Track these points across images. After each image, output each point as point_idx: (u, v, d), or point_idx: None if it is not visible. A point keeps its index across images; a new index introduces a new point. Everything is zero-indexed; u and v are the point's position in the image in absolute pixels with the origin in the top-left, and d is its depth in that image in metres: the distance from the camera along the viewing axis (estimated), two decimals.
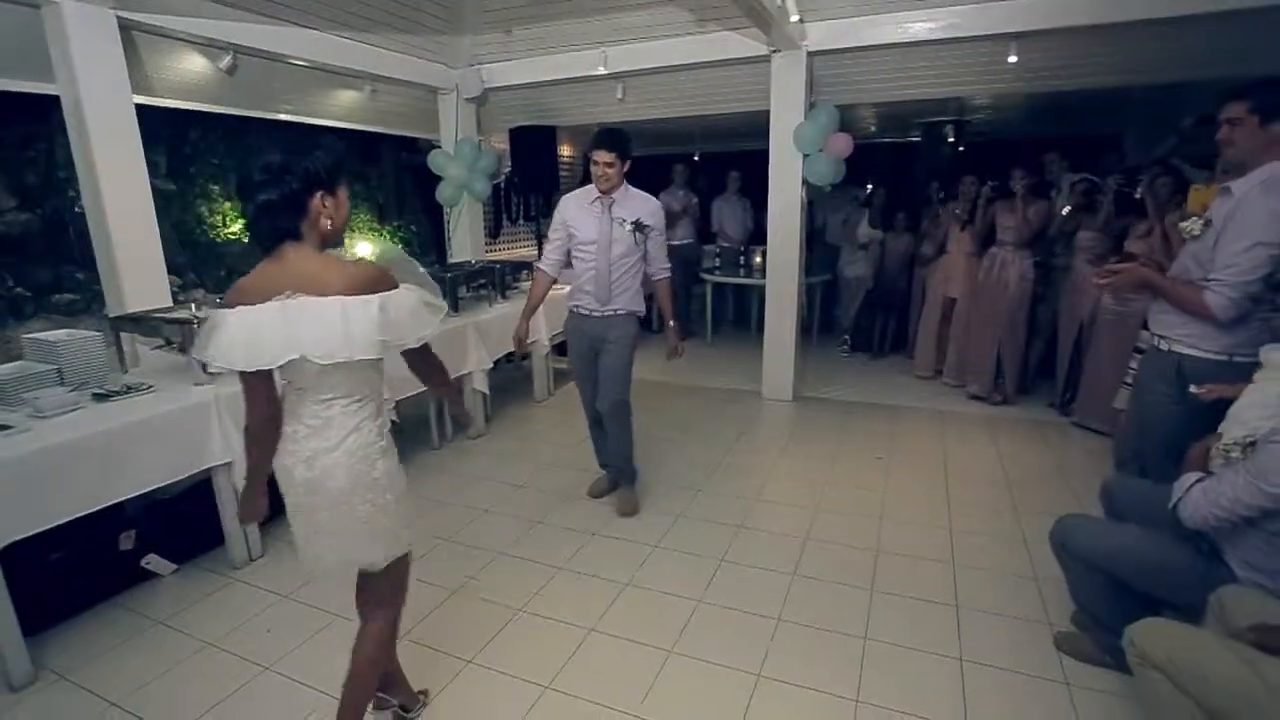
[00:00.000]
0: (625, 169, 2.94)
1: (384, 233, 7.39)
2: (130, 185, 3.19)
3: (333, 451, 1.52)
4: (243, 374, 1.43)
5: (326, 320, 1.40)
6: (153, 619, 2.47)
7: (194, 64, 3.87)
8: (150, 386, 2.67)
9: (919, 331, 5.53)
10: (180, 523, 2.82)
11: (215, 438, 2.61)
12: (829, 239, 6.73)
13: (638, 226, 2.95)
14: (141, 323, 2.96)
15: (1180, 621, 1.55)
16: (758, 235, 6.82)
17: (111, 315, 3.08)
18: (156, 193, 3.43)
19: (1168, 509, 1.79)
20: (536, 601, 2.53)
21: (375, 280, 1.47)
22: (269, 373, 1.45)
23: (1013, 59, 4.05)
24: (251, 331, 1.40)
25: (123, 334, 2.99)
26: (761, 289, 5.37)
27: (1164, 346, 2.28)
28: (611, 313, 3.03)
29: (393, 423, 3.44)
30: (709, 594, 2.57)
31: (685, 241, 6.88)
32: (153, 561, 2.73)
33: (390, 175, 7.50)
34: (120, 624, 2.44)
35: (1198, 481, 1.73)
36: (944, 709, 1.97)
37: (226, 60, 3.87)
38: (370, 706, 1.78)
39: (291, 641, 2.32)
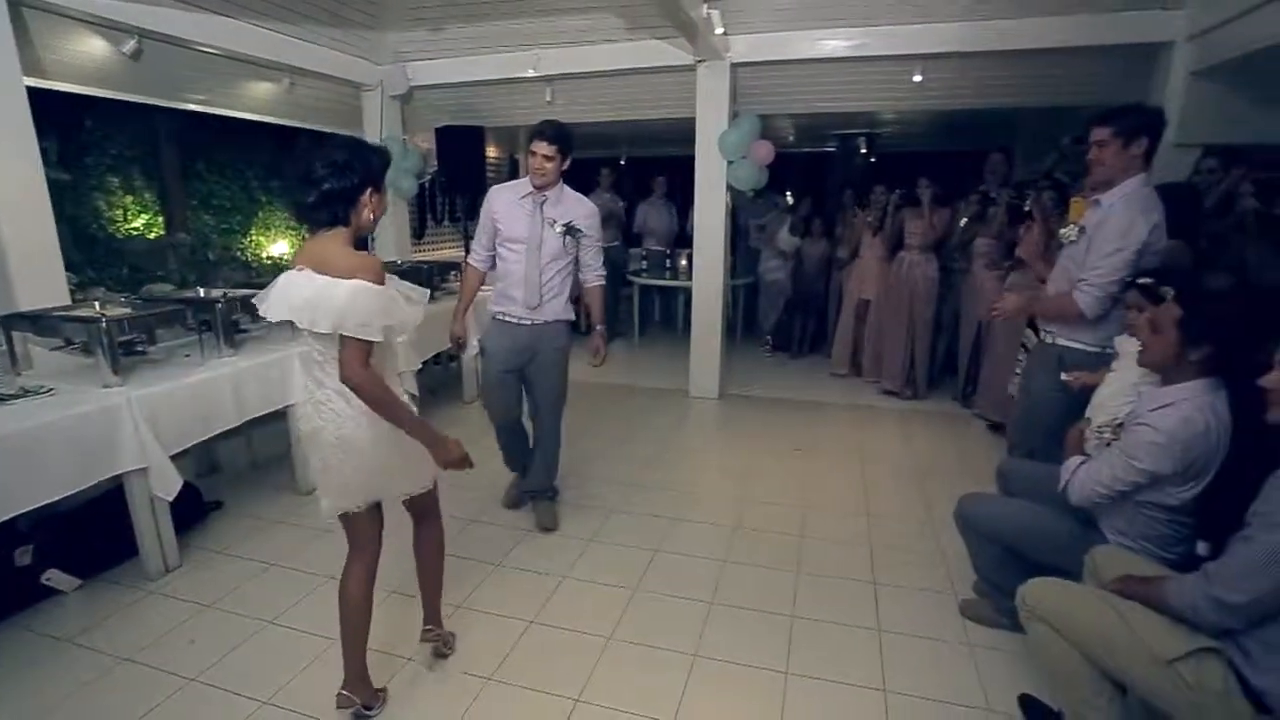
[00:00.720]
0: (565, 166, 2.75)
1: (302, 232, 7.11)
2: (21, 173, 2.97)
3: (358, 416, 1.69)
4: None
5: (310, 294, 1.59)
6: (59, 638, 2.31)
7: (93, 46, 3.63)
8: (50, 389, 2.51)
9: (836, 331, 5.84)
10: (87, 534, 2.65)
11: (128, 442, 2.47)
12: (751, 243, 7.00)
13: (569, 230, 2.77)
14: (38, 322, 2.76)
15: (1062, 579, 1.76)
16: (682, 239, 7.02)
17: (1, 314, 2.85)
18: (49, 183, 3.20)
19: (1054, 488, 2.01)
20: (476, 597, 2.54)
21: (363, 270, 1.61)
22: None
23: (917, 78, 4.39)
24: (274, 291, 1.66)
25: (14, 334, 2.78)
26: (687, 291, 5.53)
27: (1048, 340, 2.57)
28: (543, 322, 2.83)
29: None
30: (644, 583, 2.66)
31: (612, 245, 6.97)
32: (53, 577, 2.54)
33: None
34: (22, 645, 2.27)
35: (1081, 465, 1.96)
36: (865, 675, 2.13)
37: (130, 44, 3.64)
38: (335, 706, 1.89)
39: (217, 651, 2.24)
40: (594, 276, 2.97)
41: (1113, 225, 2.28)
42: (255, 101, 4.83)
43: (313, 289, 1.59)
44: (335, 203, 1.63)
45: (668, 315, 7.84)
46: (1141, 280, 2.09)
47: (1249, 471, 1.44)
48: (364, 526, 1.88)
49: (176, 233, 6.25)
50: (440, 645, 2.17)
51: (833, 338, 6.04)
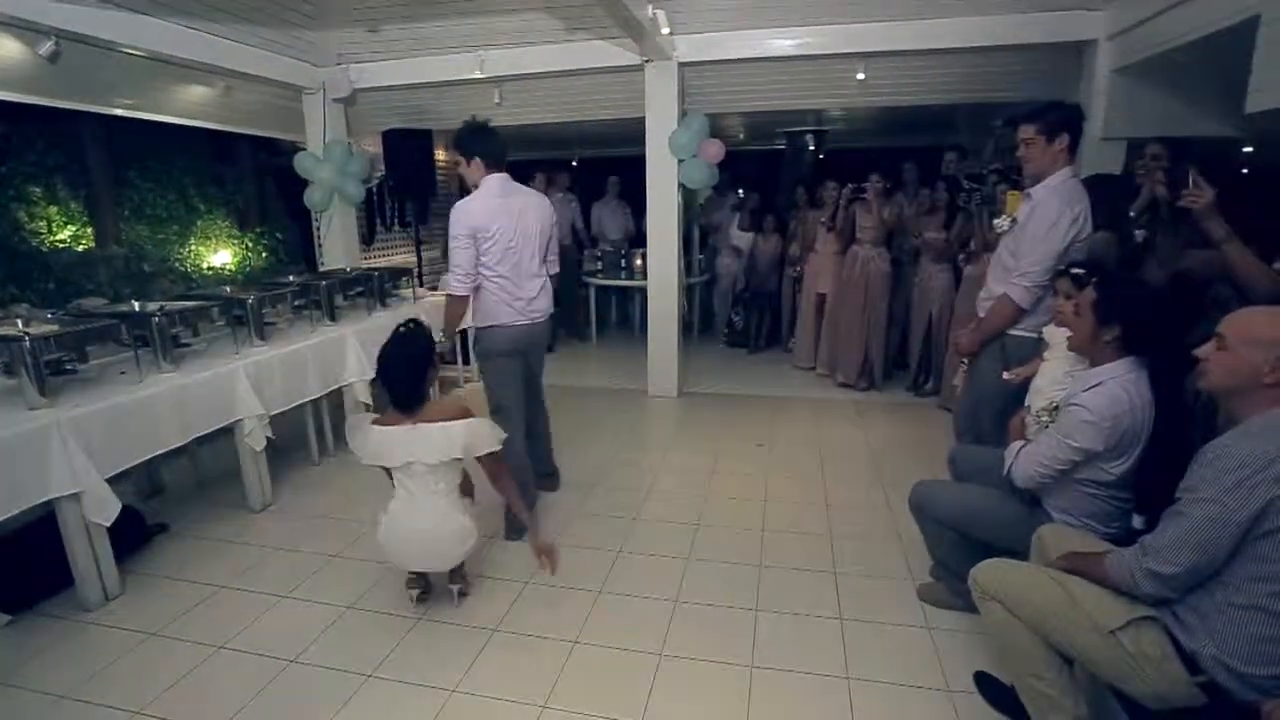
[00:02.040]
0: (469, 167, 2.85)
1: (245, 241, 6.86)
2: None
3: (447, 521, 2.33)
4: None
5: (435, 435, 2.22)
6: None
7: (5, 48, 3.44)
8: None
9: (798, 326, 5.92)
10: (16, 565, 2.50)
11: (58, 466, 2.34)
12: (711, 241, 7.07)
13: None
14: None
15: (1011, 559, 1.82)
16: (637, 238, 7.03)
17: None
18: None
19: (1000, 472, 2.09)
20: (436, 610, 2.49)
21: (459, 411, 2.31)
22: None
23: (860, 76, 4.49)
24: (381, 443, 2.26)
25: None
26: (644, 290, 5.54)
27: None
28: (544, 315, 3.03)
29: (268, 439, 3.25)
30: (608, 584, 2.65)
31: (564, 243, 6.94)
32: None
33: (250, 179, 6.98)
34: None
35: (1022, 448, 2.03)
36: (829, 663, 2.17)
37: (47, 46, 3.44)
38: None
39: (163, 682, 2.13)
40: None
41: (1040, 217, 2.38)
42: (189, 106, 4.65)
43: (440, 432, 2.22)
44: (419, 386, 2.28)
45: (624, 315, 7.85)
46: (1074, 270, 2.19)
47: (1175, 446, 1.51)
48: None
49: (108, 244, 5.96)
50: (464, 585, 2.55)
51: (788, 333, 6.14)
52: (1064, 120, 2.39)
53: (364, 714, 1.99)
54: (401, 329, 2.32)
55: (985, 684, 2.02)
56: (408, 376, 2.25)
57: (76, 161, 5.66)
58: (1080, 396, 1.85)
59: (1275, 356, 1.33)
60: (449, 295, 2.92)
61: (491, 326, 2.92)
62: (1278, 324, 1.36)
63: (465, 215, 2.76)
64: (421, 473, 2.26)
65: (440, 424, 2.23)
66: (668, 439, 4.32)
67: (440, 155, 7.11)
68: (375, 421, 2.30)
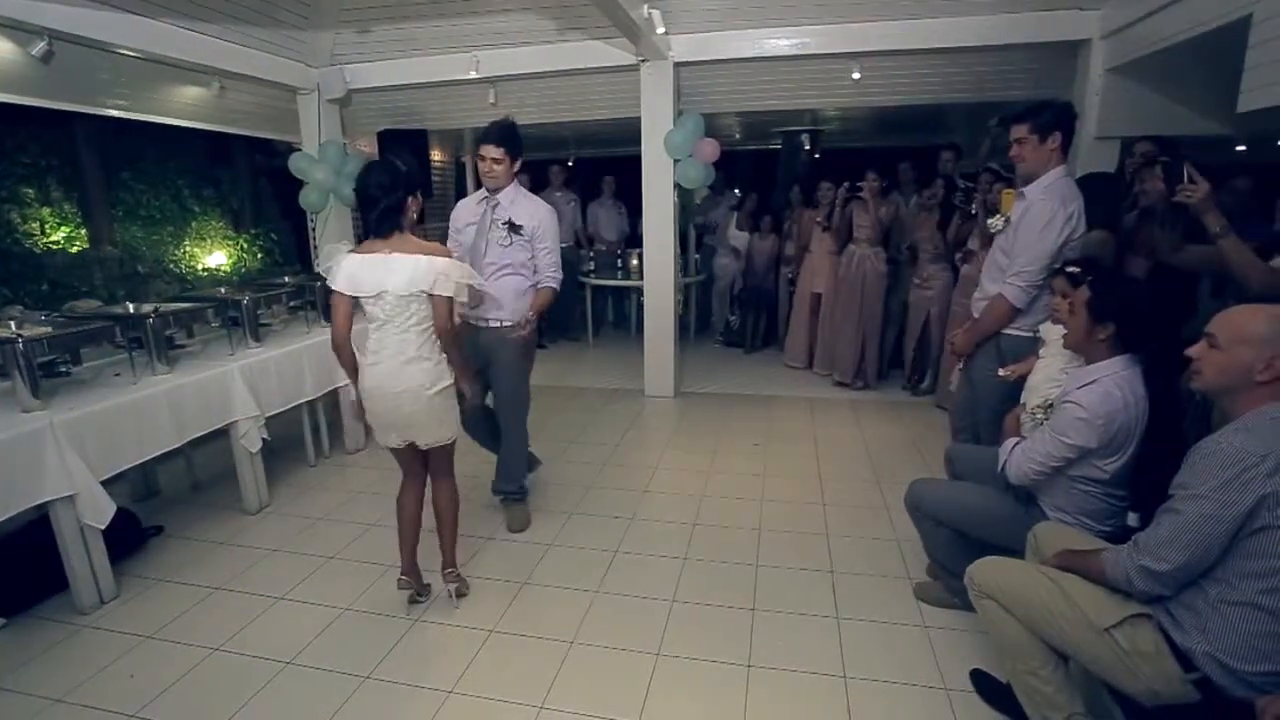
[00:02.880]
0: (516, 168, 2.78)
1: (240, 242, 6.84)
2: None
3: (417, 361, 2.22)
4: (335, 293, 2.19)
5: (408, 266, 2.13)
6: None
7: None
8: None
9: (790, 325, 5.93)
10: (10, 569, 2.49)
11: (52, 468, 2.34)
12: (707, 240, 7.07)
13: (511, 227, 2.77)
14: None
15: (1007, 557, 1.82)
16: (634, 238, 7.03)
17: None
18: None
19: (995, 470, 2.09)
20: (433, 610, 2.49)
21: (441, 251, 2.23)
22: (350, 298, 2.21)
23: (856, 75, 4.50)
24: (356, 269, 2.16)
25: None
26: (640, 290, 5.54)
27: None
28: (491, 324, 2.84)
29: (263, 440, 3.24)
30: (605, 584, 2.65)
31: (564, 245, 6.92)
32: None
33: (245, 179, 6.96)
34: None
35: (1016, 445, 2.04)
36: (826, 663, 2.17)
37: (40, 46, 3.42)
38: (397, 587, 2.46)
39: (160, 684, 2.13)
40: (545, 278, 2.90)
41: (1034, 216, 2.38)
42: (183, 107, 4.64)
43: (412, 264, 2.13)
44: (393, 214, 2.16)
45: (621, 315, 7.84)
46: (1069, 268, 2.20)
47: (1170, 444, 1.52)
48: (410, 460, 2.41)
49: (102, 246, 5.93)
50: (460, 586, 2.53)
51: (785, 332, 6.15)
52: (1055, 119, 2.40)
53: (361, 716, 1.99)
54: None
55: (982, 682, 2.02)
56: (382, 199, 2.14)
57: (70, 163, 5.63)
58: (1075, 394, 1.86)
59: (1267, 354, 1.33)
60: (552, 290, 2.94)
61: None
62: (1267, 321, 1.37)
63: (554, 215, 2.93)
64: (392, 305, 2.17)
65: (415, 256, 2.15)
66: (664, 439, 4.32)
67: (436, 155, 7.11)
68: (352, 251, 2.24)
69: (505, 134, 2.70)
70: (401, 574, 2.46)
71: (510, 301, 2.84)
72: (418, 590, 2.50)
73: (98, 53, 3.75)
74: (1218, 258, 2.20)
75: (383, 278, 2.13)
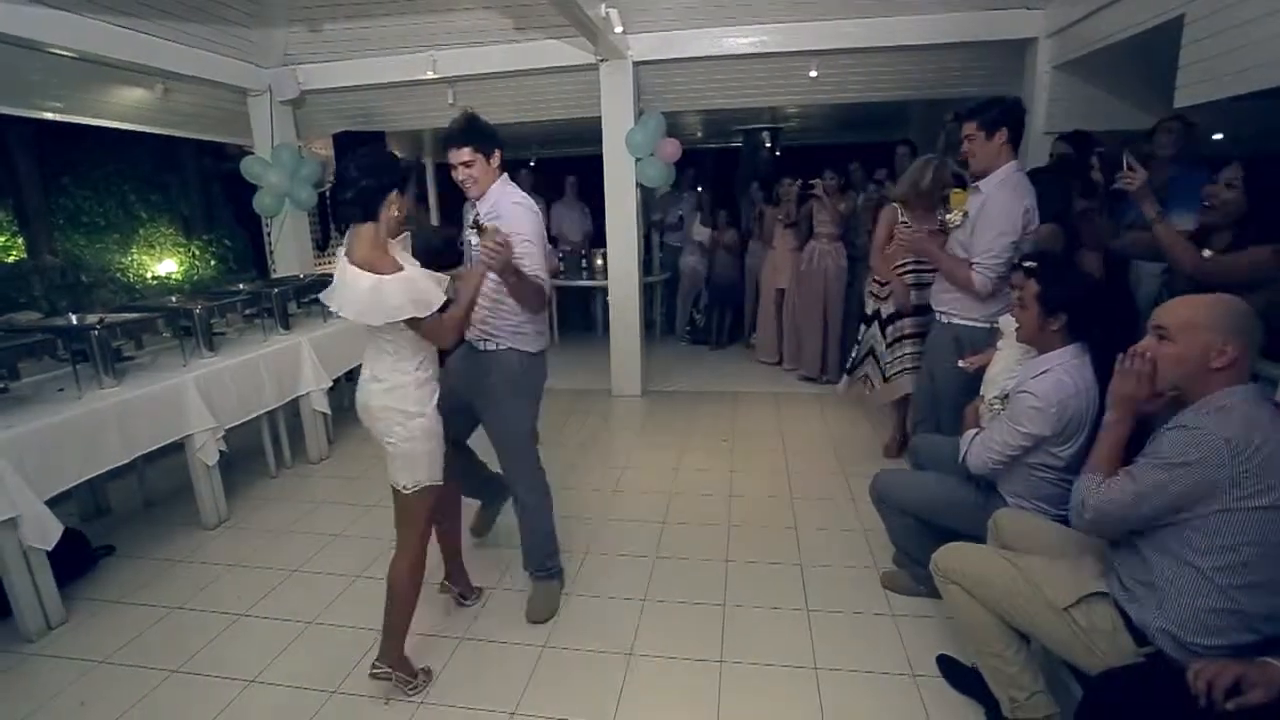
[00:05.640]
0: (496, 163, 2.25)
1: (191, 248, 6.61)
2: None
3: (375, 381, 1.96)
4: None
5: (351, 294, 1.81)
6: None
7: None
8: None
9: (758, 322, 5.96)
10: None
11: None
12: (665, 239, 7.08)
13: (476, 227, 2.16)
14: None
15: (969, 543, 1.87)
16: (597, 238, 7.01)
17: None
18: None
19: (956, 460, 2.14)
20: None
21: (377, 264, 1.82)
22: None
23: (812, 74, 4.56)
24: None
25: None
26: (604, 290, 5.53)
27: (944, 320, 2.73)
28: (483, 347, 2.31)
29: (221, 453, 3.14)
30: (576, 586, 2.64)
31: None
32: None
33: (195, 184, 6.73)
34: None
35: (976, 436, 2.09)
36: (797, 655, 2.20)
37: None
38: (370, 674, 2.03)
39: (112, 711, 2.04)
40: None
41: (992, 210, 2.45)
42: (124, 109, 4.47)
43: (353, 292, 1.80)
44: (365, 200, 1.84)
45: (587, 316, 7.81)
46: (1027, 264, 2.26)
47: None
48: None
49: (41, 255, 5.66)
50: (391, 686, 2.05)
51: (749, 327, 6.20)
52: (1001, 116, 2.47)
53: None
54: None
55: (947, 666, 2.07)
56: (360, 180, 1.83)
57: (3, 167, 5.37)
58: (1028, 384, 1.92)
59: (1219, 342, 1.37)
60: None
61: None
62: (1213, 309, 1.41)
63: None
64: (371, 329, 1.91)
65: (358, 274, 1.79)
66: (632, 438, 4.32)
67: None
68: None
69: (471, 131, 2.20)
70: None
71: (507, 321, 2.30)
72: (461, 594, 2.46)
73: (28, 52, 3.56)
74: (1153, 243, 2.30)
75: (334, 292, 1.86)
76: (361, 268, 1.81)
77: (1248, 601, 1.32)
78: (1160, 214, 2.24)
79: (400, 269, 1.84)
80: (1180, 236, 2.24)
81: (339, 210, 1.90)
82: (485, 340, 2.31)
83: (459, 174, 2.23)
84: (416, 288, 1.84)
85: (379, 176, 1.85)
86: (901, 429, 3.77)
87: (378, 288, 1.79)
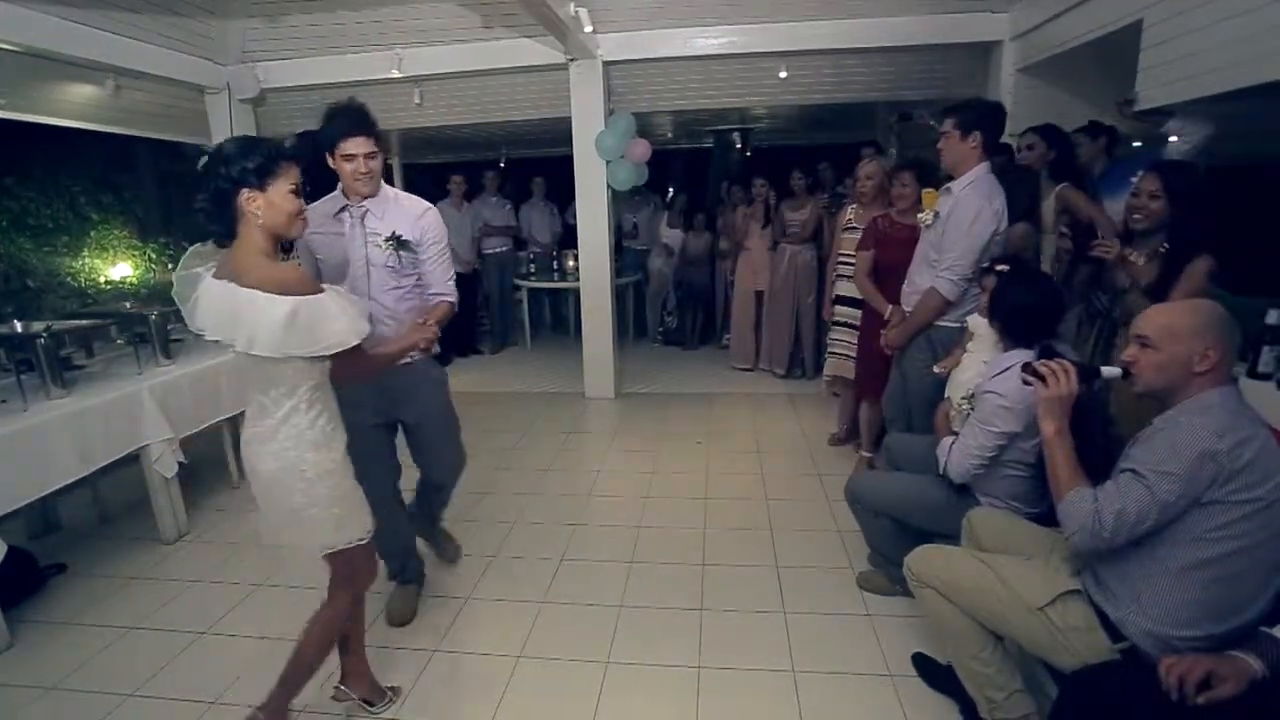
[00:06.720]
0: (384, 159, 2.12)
1: (147, 252, 6.38)
2: None
3: (267, 440, 1.60)
4: None
5: (227, 307, 1.48)
6: None
7: None
8: None
9: (733, 325, 5.86)
10: None
11: None
12: (624, 242, 7.05)
13: (398, 243, 2.11)
14: None
15: (942, 545, 1.87)
16: (566, 239, 6.96)
17: None
18: None
19: (931, 458, 2.16)
20: (373, 630, 2.37)
21: (287, 284, 1.49)
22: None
23: (782, 74, 4.58)
24: (199, 301, 1.55)
25: None
26: (576, 292, 5.48)
27: None
28: (408, 359, 2.07)
29: (179, 464, 3.02)
30: (551, 593, 2.59)
31: (503, 250, 6.77)
32: None
33: (150, 185, 6.49)
34: None
35: (953, 444, 2.09)
36: (774, 658, 2.19)
37: None
38: (331, 697, 1.95)
39: None
40: (441, 294, 2.25)
41: (961, 212, 2.48)
42: (72, 107, 4.28)
43: (238, 304, 1.47)
44: (213, 215, 1.52)
45: (559, 318, 7.76)
46: (999, 267, 2.29)
47: (1077, 425, 1.58)
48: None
49: None
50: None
51: (722, 329, 6.19)
52: (978, 118, 2.49)
53: None
54: None
55: (923, 665, 2.08)
56: (206, 184, 1.50)
57: None
58: (992, 383, 1.95)
59: (1201, 347, 1.38)
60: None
61: None
62: (1194, 315, 1.42)
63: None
64: (250, 366, 1.56)
65: (272, 297, 1.46)
66: (606, 441, 4.28)
67: None
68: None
69: (372, 119, 2.06)
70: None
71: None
72: (366, 700, 1.97)
73: None
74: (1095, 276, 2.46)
75: (195, 311, 1.55)
76: (263, 289, 1.46)
77: (1222, 593, 1.34)
78: (1134, 285, 2.23)
79: (318, 287, 1.54)
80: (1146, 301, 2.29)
81: (206, 232, 1.57)
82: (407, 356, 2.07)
83: (359, 165, 2.02)
84: (348, 310, 1.56)
85: (210, 181, 1.49)
86: (850, 421, 3.89)
87: (298, 312, 1.46)
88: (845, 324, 3.75)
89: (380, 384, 2.11)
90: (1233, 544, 1.32)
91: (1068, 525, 1.46)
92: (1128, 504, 1.37)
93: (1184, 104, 2.74)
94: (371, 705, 1.98)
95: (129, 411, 2.85)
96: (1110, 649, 1.45)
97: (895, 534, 2.34)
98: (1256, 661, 1.25)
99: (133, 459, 2.92)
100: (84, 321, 3.05)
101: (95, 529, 3.24)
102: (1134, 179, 2.29)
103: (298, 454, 1.59)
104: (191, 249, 1.61)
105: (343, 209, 2.12)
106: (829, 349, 3.92)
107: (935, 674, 2.03)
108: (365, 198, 2.10)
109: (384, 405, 2.20)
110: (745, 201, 5.62)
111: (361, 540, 1.74)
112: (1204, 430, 1.33)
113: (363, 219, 2.12)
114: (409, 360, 2.10)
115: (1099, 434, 2.09)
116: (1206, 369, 1.39)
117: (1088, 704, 1.39)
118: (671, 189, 7.18)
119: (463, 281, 6.17)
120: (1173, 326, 1.44)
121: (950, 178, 2.59)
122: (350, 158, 2.02)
